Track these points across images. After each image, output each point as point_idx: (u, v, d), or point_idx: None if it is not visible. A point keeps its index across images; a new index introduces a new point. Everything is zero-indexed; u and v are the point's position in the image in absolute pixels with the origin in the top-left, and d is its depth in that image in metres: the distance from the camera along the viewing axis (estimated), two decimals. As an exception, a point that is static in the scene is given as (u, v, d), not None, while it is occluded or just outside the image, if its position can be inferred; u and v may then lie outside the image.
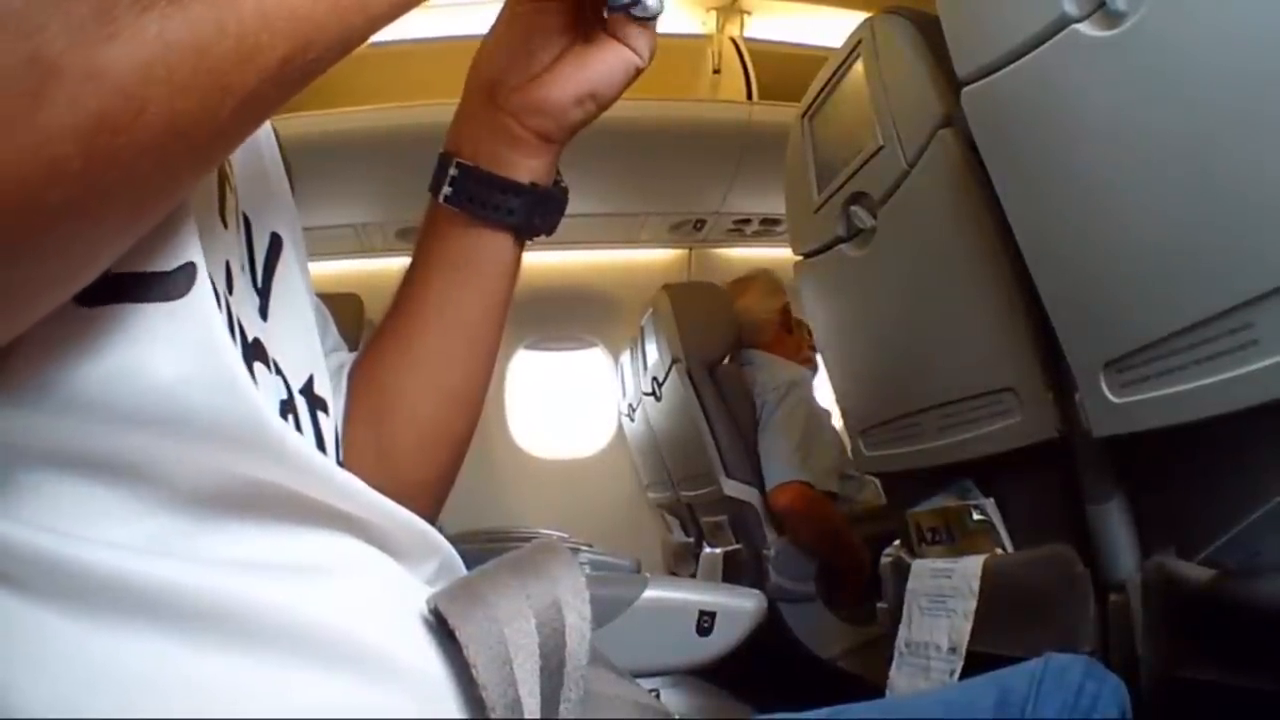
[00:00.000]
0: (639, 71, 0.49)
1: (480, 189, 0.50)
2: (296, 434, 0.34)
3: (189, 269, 0.31)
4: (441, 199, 0.50)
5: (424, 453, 0.53)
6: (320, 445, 0.43)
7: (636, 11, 0.46)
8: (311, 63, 0.27)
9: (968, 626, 1.03)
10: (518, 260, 0.53)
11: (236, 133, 0.28)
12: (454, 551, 0.43)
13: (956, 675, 1.03)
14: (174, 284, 0.30)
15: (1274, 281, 0.62)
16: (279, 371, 0.40)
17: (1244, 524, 0.73)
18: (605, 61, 0.48)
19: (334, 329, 0.55)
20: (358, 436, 0.51)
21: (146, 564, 0.29)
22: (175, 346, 0.30)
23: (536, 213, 0.51)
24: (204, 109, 0.24)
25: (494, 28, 0.50)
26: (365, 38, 0.29)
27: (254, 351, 0.38)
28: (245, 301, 0.39)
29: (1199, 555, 0.77)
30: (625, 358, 3.33)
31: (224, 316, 0.34)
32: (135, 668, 0.29)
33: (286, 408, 0.40)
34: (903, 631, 1.17)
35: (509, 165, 0.50)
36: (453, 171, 0.50)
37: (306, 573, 0.34)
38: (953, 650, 1.05)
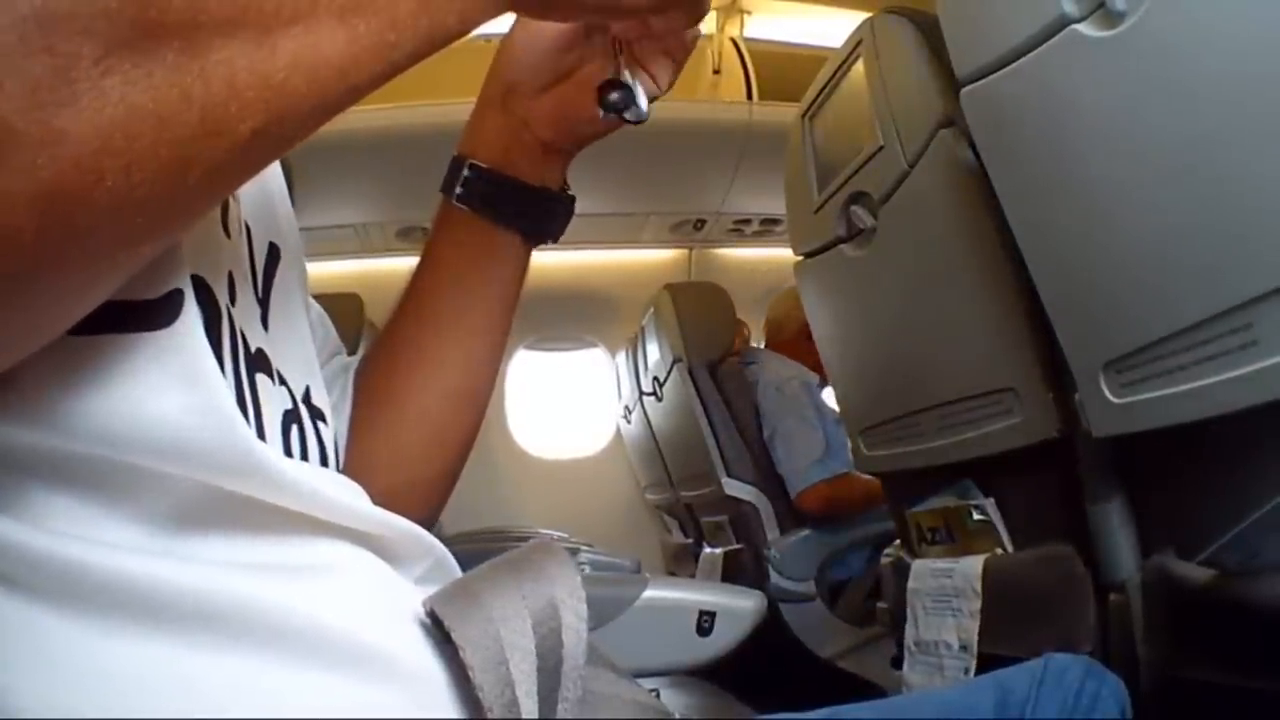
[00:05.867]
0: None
1: (492, 191, 0.51)
2: (283, 457, 0.34)
3: (175, 296, 0.30)
4: (454, 199, 0.51)
5: (432, 452, 0.53)
6: (322, 454, 0.43)
7: (630, 116, 0.48)
8: (288, 133, 0.25)
9: (975, 625, 1.03)
10: (526, 264, 0.54)
11: (201, 204, 0.26)
12: (447, 553, 0.43)
13: (971, 672, 1.03)
14: (160, 312, 0.30)
15: (1274, 282, 0.62)
16: (283, 381, 0.40)
17: (1244, 525, 0.73)
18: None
19: (334, 334, 0.55)
20: (366, 438, 0.52)
21: (142, 563, 0.29)
22: (160, 376, 0.29)
23: (545, 216, 0.52)
24: (165, 181, 0.23)
25: (511, 32, 0.51)
26: (349, 104, 0.27)
27: (257, 363, 0.38)
28: (248, 312, 0.39)
29: (1199, 556, 0.77)
30: (621, 359, 3.32)
31: (226, 330, 0.34)
32: (129, 669, 0.29)
33: (291, 417, 0.40)
34: (910, 631, 1.16)
35: (521, 170, 0.51)
36: (466, 173, 0.51)
37: (302, 573, 0.34)
38: (964, 648, 1.05)
